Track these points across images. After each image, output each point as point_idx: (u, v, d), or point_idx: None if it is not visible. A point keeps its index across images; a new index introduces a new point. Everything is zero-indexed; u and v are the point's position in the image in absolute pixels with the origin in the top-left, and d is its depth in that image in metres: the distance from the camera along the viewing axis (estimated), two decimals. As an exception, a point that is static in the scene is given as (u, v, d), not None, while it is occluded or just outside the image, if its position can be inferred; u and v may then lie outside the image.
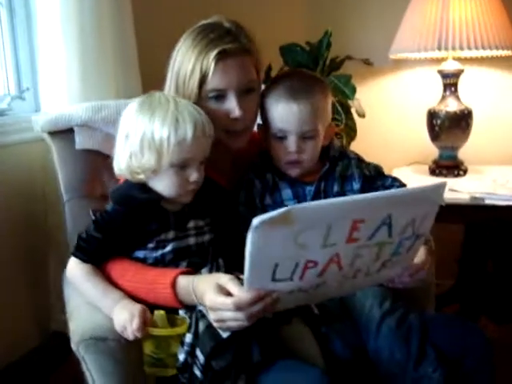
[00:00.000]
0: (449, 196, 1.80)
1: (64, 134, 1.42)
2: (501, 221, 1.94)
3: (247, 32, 1.21)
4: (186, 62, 1.17)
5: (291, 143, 1.19)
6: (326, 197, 1.22)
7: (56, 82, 1.70)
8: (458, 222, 2.06)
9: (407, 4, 2.11)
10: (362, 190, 1.22)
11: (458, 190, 1.84)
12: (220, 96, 1.18)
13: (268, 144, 1.23)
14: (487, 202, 1.73)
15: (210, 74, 1.15)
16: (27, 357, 1.71)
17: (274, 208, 1.20)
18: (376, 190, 1.24)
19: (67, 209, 1.43)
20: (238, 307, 0.90)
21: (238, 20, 1.24)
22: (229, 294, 0.93)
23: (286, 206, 1.20)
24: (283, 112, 1.18)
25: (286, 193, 1.23)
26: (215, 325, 0.96)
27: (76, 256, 1.10)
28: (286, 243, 0.83)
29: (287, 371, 0.99)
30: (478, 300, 2.13)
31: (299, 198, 1.22)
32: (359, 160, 1.28)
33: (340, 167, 1.25)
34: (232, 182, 1.26)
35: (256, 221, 0.79)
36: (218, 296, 0.93)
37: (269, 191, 1.23)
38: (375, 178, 1.26)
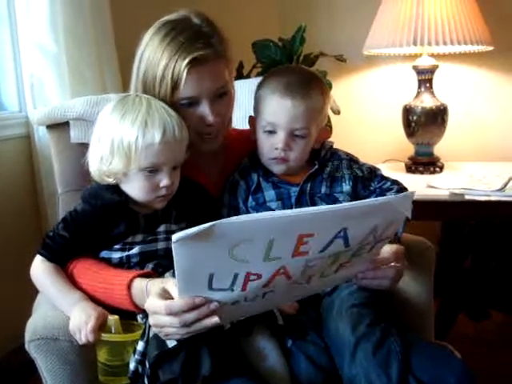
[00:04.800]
0: (428, 193, 1.79)
1: (60, 127, 1.40)
2: (479, 217, 1.93)
3: (218, 29, 1.15)
4: (154, 66, 1.11)
5: (279, 139, 1.14)
6: (311, 198, 1.16)
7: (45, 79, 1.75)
8: (437, 219, 2.05)
9: (380, -1, 2.10)
10: (354, 192, 1.17)
11: (437, 187, 1.83)
12: (193, 102, 1.13)
13: (256, 137, 1.19)
14: (467, 197, 1.72)
15: (182, 83, 1.09)
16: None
17: (257, 210, 1.18)
18: (371, 192, 1.20)
19: (61, 202, 1.40)
20: (170, 312, 0.87)
21: (209, 15, 1.16)
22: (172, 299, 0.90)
23: (269, 207, 1.18)
24: (276, 105, 1.13)
25: (269, 194, 1.18)
26: (154, 330, 0.92)
27: (41, 254, 1.08)
28: (217, 256, 0.79)
29: None
30: (457, 297, 2.13)
31: (283, 199, 1.17)
32: (351, 160, 1.23)
33: (330, 168, 1.20)
34: (221, 184, 1.22)
35: (175, 237, 0.76)
36: (155, 299, 0.90)
37: (252, 192, 1.18)
38: (369, 179, 1.21)
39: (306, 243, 0.81)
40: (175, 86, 1.10)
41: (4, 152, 1.76)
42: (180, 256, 0.78)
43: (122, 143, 1.00)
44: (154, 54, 1.11)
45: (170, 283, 0.91)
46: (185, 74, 1.08)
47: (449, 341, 1.30)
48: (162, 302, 0.88)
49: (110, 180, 1.05)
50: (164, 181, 1.03)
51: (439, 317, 2.03)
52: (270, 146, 1.15)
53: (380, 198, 0.87)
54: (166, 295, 0.90)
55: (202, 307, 0.85)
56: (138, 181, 1.03)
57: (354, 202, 0.84)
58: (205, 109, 1.13)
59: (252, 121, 1.21)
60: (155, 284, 0.97)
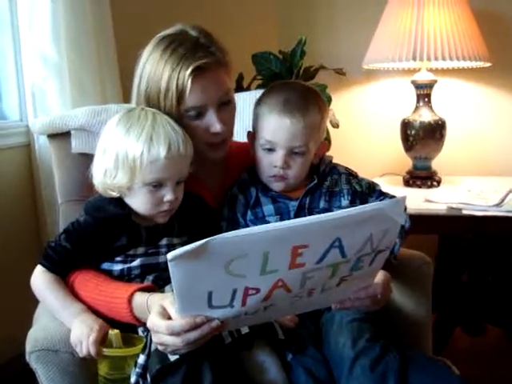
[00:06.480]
0: (425, 207, 1.80)
1: (61, 136, 1.40)
2: (476, 232, 1.94)
3: (216, 39, 1.16)
4: (157, 79, 1.11)
5: (278, 157, 1.14)
6: (310, 213, 1.16)
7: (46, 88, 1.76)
8: (434, 233, 2.06)
9: (381, 14, 2.12)
10: (352, 207, 1.17)
11: (434, 201, 1.83)
12: (199, 113, 1.13)
13: (255, 153, 1.19)
14: (464, 212, 1.72)
15: (187, 92, 1.09)
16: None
17: (255, 224, 1.17)
18: None
19: (61, 211, 1.40)
20: (172, 332, 0.87)
21: (209, 28, 1.17)
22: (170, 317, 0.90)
23: (268, 221, 1.18)
24: (274, 124, 1.13)
25: (268, 208, 1.18)
26: (159, 348, 0.92)
27: (42, 264, 1.08)
28: (214, 272, 0.79)
29: None
30: (453, 311, 2.13)
31: (282, 213, 1.17)
32: (350, 175, 1.23)
33: (328, 182, 1.20)
34: (221, 197, 1.23)
35: (170, 255, 0.76)
36: (157, 318, 0.90)
37: (251, 207, 1.18)
38: (367, 194, 1.21)
39: (302, 255, 0.81)
40: (180, 96, 1.10)
41: (4, 161, 1.76)
42: (177, 274, 0.78)
43: (126, 157, 1.00)
44: (155, 68, 1.11)
45: (167, 301, 0.91)
46: (189, 83, 1.08)
47: (445, 355, 1.31)
48: (163, 323, 0.88)
49: (114, 193, 1.05)
50: (168, 196, 1.03)
51: (436, 331, 2.02)
52: (269, 164, 1.15)
53: (371, 205, 0.86)
54: (166, 314, 0.90)
55: (203, 326, 0.85)
56: (142, 195, 1.03)
57: (344, 210, 0.83)
58: (211, 117, 1.13)
59: (251, 137, 1.22)
60: (155, 298, 0.97)
